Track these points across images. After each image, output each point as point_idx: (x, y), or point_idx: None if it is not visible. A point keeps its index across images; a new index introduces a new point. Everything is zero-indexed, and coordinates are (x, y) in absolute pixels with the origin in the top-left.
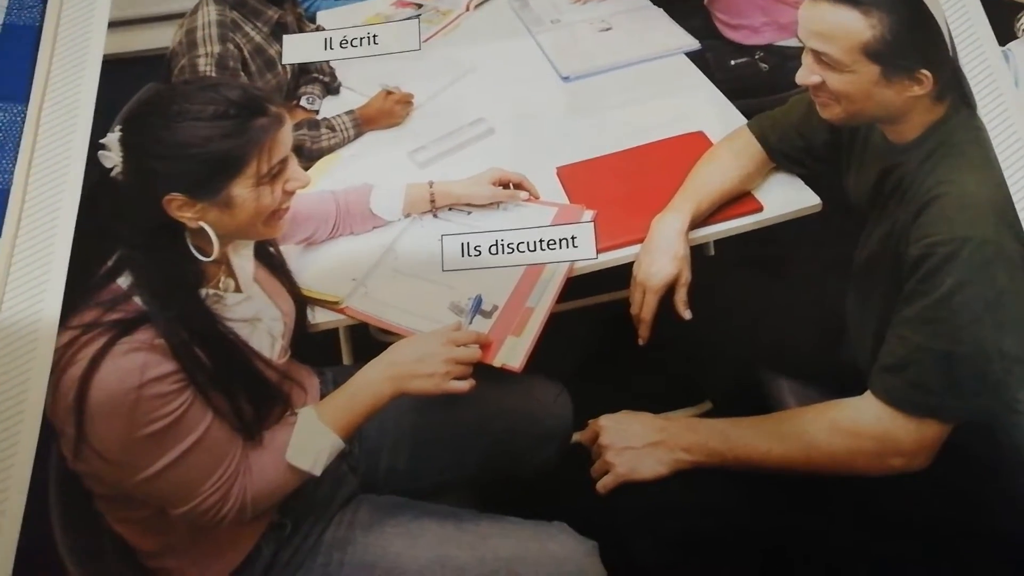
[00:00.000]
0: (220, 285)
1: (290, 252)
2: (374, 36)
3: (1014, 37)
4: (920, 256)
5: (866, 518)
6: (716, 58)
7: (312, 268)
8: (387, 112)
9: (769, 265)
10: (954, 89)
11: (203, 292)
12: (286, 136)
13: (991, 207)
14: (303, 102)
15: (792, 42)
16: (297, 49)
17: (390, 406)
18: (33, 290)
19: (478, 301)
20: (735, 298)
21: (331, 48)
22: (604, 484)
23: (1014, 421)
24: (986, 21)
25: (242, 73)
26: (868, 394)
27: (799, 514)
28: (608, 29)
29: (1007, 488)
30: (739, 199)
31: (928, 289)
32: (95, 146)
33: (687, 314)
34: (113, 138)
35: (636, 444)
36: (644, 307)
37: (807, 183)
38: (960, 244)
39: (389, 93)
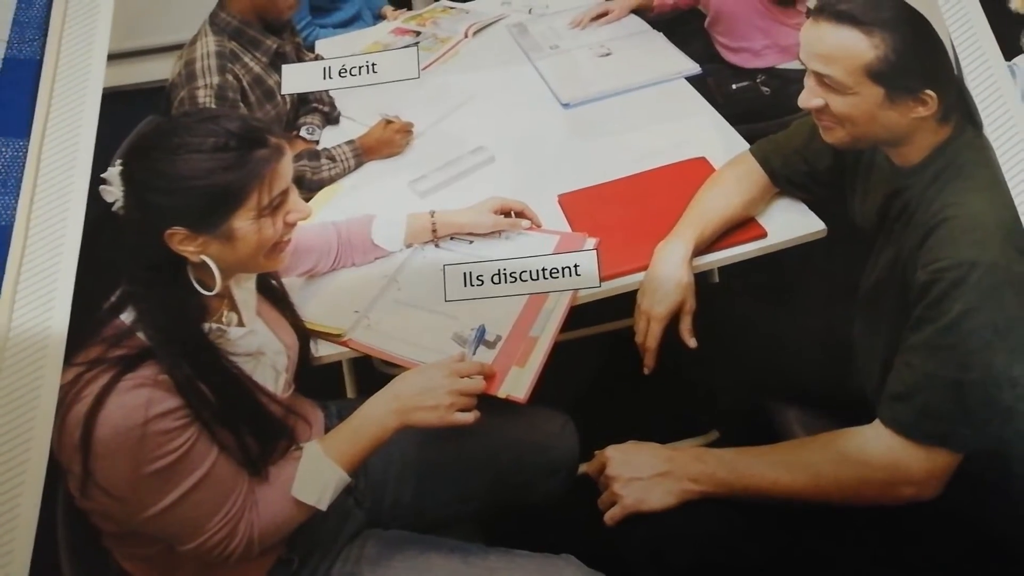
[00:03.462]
0: (223, 319)
1: (292, 285)
2: (373, 65)
3: (1020, 51)
4: (928, 281)
5: (876, 547)
6: (717, 82)
7: (314, 300)
8: (387, 141)
9: (774, 292)
10: (959, 109)
11: (206, 326)
12: (286, 167)
13: (999, 229)
14: (303, 132)
15: (794, 65)
16: (296, 79)
17: (395, 439)
18: (37, 327)
19: (481, 331)
20: (740, 326)
21: (330, 77)
22: (612, 515)
23: None
24: (991, 35)
25: (241, 104)
26: (877, 423)
27: (808, 544)
28: (608, 54)
29: (1020, 515)
30: (743, 225)
31: (936, 315)
32: (97, 181)
33: (692, 342)
34: (114, 172)
35: (643, 475)
36: (649, 336)
37: (811, 208)
38: (968, 269)
39: (389, 122)
